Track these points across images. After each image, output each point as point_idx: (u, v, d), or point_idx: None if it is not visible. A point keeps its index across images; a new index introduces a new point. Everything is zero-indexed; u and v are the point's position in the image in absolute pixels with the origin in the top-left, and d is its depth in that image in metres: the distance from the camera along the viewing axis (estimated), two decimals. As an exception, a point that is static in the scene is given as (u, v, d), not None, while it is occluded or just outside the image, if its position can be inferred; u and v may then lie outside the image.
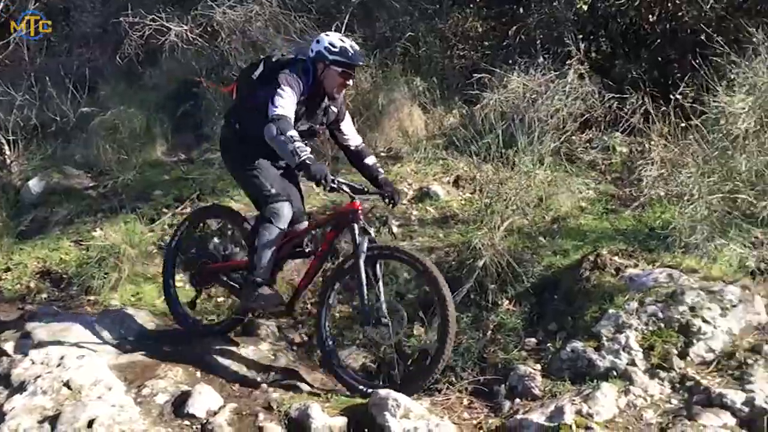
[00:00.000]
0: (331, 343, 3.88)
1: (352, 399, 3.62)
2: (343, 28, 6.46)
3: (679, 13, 6.20)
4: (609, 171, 5.66)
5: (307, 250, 4.07)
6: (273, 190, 3.88)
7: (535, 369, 3.72)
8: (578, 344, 3.72)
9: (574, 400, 3.29)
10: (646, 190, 4.64)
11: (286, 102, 3.67)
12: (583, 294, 4.07)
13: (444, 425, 3.31)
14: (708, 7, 5.79)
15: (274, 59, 3.97)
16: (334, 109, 4.03)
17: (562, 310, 4.09)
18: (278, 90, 3.68)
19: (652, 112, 5.50)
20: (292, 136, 3.58)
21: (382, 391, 3.44)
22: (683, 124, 5.02)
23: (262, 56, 4.38)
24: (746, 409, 3.09)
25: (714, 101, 4.21)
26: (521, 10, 7.00)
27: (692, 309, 3.67)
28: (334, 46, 3.82)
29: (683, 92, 5.43)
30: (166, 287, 4.50)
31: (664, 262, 4.16)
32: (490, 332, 4.08)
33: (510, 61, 6.40)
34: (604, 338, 3.68)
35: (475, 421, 3.47)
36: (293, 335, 4.50)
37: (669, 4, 6.33)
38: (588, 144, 5.96)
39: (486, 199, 4.87)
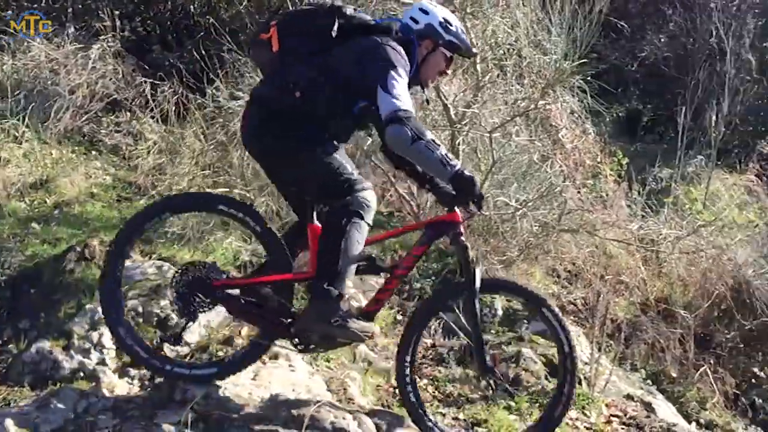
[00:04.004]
0: None
1: None
2: None
3: (220, 11, 6.30)
4: (133, 157, 5.37)
5: (382, 265, 3.02)
6: (355, 174, 2.87)
7: (-10, 375, 3.22)
8: (45, 344, 3.32)
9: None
10: (142, 178, 4.49)
11: (404, 90, 2.69)
12: (64, 288, 3.70)
13: None
14: (242, 8, 6.00)
15: (348, 13, 2.86)
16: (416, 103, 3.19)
17: (38, 306, 3.65)
18: (392, 72, 2.69)
19: (183, 102, 5.45)
20: (433, 140, 2.67)
21: None
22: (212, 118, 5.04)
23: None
24: (204, 402, 3.09)
25: (215, 98, 4.27)
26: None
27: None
28: (450, 24, 2.93)
29: (219, 87, 5.51)
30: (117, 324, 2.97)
31: (162, 254, 4.05)
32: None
33: (37, 25, 5.73)
34: (76, 336, 3.37)
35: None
36: None
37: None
38: (116, 127, 5.61)
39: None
